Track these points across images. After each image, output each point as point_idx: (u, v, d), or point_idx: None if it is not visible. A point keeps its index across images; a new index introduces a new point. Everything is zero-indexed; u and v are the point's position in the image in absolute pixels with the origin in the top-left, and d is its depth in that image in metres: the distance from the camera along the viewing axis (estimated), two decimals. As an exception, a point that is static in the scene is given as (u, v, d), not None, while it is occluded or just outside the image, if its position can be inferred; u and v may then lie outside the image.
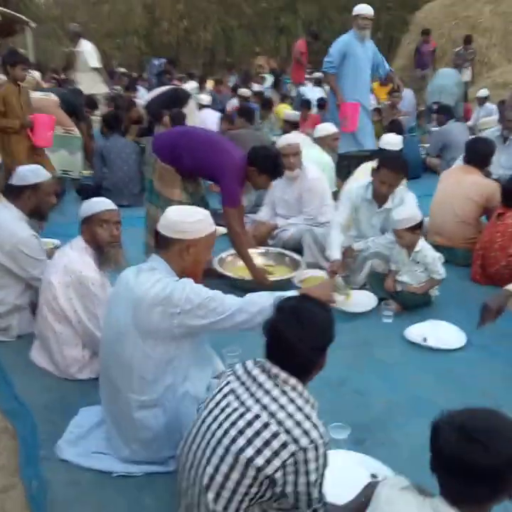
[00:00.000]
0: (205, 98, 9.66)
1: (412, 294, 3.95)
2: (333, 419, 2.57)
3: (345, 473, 2.31)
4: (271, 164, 4.02)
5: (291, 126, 7.26)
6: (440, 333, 3.61)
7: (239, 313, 2.31)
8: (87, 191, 6.89)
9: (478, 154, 4.89)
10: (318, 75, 12.46)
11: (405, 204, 4.14)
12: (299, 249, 4.77)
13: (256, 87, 14.61)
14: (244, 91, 11.04)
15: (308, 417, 1.78)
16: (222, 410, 1.86)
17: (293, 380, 1.85)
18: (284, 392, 1.82)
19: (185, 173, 4.05)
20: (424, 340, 3.55)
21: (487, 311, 2.91)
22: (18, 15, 18.85)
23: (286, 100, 12.29)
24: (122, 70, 16.68)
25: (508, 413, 1.49)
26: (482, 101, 11.13)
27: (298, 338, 1.82)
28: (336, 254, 4.20)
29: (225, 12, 27.39)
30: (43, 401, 2.93)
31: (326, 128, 5.81)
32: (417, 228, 3.91)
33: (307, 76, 13.04)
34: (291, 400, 1.81)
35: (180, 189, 4.07)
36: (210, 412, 1.90)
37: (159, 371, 2.30)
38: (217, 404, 1.90)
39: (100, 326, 2.98)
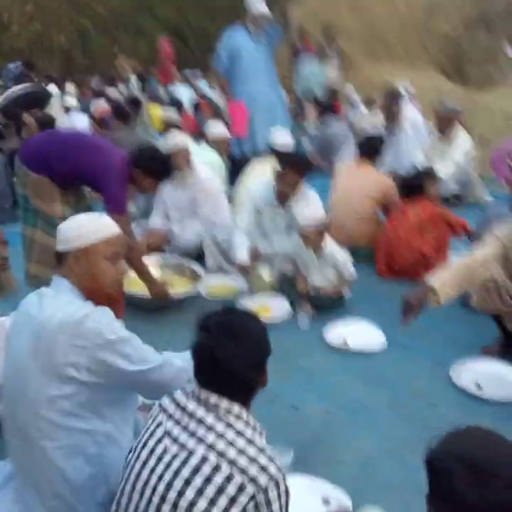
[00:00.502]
0: (72, 100, 9.12)
1: (326, 296, 3.87)
2: (272, 438, 2.34)
3: (296, 503, 2.09)
4: (158, 166, 3.65)
5: (172, 127, 6.97)
6: (359, 333, 3.55)
7: (168, 365, 2.02)
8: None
9: (371, 150, 4.91)
10: (188, 73, 12.27)
11: (309, 203, 4.05)
12: (199, 255, 4.54)
13: (122, 88, 14.12)
14: (112, 91, 10.57)
15: (261, 450, 1.54)
16: (160, 459, 1.58)
17: (236, 408, 1.60)
18: (229, 425, 1.57)
19: (62, 182, 3.54)
20: (345, 343, 3.46)
21: (409, 307, 2.85)
22: None
23: (155, 101, 11.95)
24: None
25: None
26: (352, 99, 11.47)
27: (232, 356, 1.58)
28: (244, 255, 4.07)
29: (77, 13, 26.26)
30: None
31: (217, 130, 5.59)
32: (323, 229, 3.82)
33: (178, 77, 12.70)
34: (239, 433, 1.56)
35: (61, 203, 3.56)
36: (145, 463, 1.60)
37: (72, 413, 1.93)
38: (152, 452, 1.61)
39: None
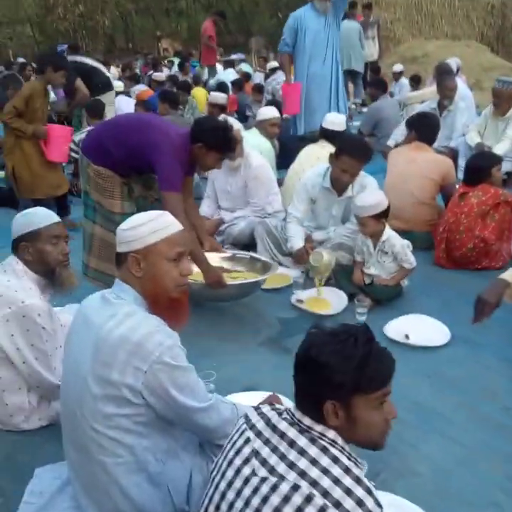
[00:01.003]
0: (119, 84, 9.08)
1: (383, 287, 3.67)
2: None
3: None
4: (221, 137, 3.36)
5: (219, 109, 6.84)
6: (421, 327, 3.34)
7: (215, 410, 1.88)
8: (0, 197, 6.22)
9: (429, 130, 4.65)
10: (235, 57, 12.11)
11: (366, 189, 3.85)
12: (251, 244, 4.40)
13: (165, 70, 14.05)
14: (158, 75, 10.50)
15: (358, 481, 1.40)
16: (246, 481, 1.44)
17: (331, 432, 1.46)
18: (324, 450, 1.42)
19: (123, 169, 3.41)
20: (406, 337, 3.27)
21: (486, 305, 2.63)
22: None
23: (198, 83, 11.83)
24: (22, 60, 15.54)
25: None
26: (397, 76, 11.09)
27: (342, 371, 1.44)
28: (299, 242, 3.93)
29: (122, -5, 26.37)
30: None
31: (265, 112, 5.40)
32: (383, 216, 3.62)
33: (219, 58, 12.54)
34: (335, 460, 1.41)
35: (122, 196, 3.42)
36: (230, 484, 1.48)
37: (131, 430, 1.80)
38: (238, 472, 1.48)
39: (50, 365, 2.49)
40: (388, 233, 3.68)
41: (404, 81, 10.62)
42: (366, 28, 11.63)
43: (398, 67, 11.19)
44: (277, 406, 1.62)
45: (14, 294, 2.46)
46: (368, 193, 3.75)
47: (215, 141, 3.34)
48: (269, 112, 5.32)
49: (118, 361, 1.73)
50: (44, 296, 2.57)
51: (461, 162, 5.46)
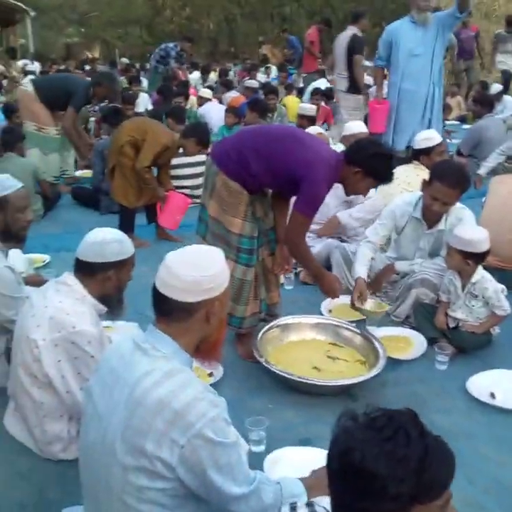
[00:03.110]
0: (208, 92, 9.03)
1: (470, 334, 3.28)
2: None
3: None
4: (383, 166, 3.03)
5: (308, 120, 6.59)
6: (511, 386, 2.94)
7: (256, 497, 1.63)
8: (84, 196, 6.28)
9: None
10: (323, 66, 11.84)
11: (463, 222, 3.45)
12: (326, 268, 4.11)
13: (261, 77, 13.95)
14: (251, 82, 10.34)
15: None
16: None
17: None
18: None
19: (254, 185, 3.04)
20: (492, 396, 2.87)
21: None
22: (16, 3, 18.29)
23: (291, 91, 11.61)
24: (126, 60, 15.99)
25: None
26: (498, 95, 10.35)
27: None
28: (361, 270, 3.53)
29: (228, 0, 26.66)
30: (16, 495, 2.26)
31: (351, 126, 5.08)
32: (474, 259, 3.22)
33: (319, 67, 12.24)
34: None
35: (245, 216, 3.04)
36: None
37: (165, 505, 1.57)
38: None
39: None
40: (480, 274, 3.29)
41: (509, 98, 9.89)
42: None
43: (496, 88, 10.43)
44: (316, 508, 1.33)
45: (66, 318, 2.32)
46: (473, 226, 3.39)
47: (376, 170, 3.02)
48: (356, 127, 4.98)
49: (154, 430, 1.50)
50: (97, 321, 2.42)
51: None
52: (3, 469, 2.41)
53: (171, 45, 10.04)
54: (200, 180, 6.16)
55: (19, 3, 18.38)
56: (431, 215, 3.52)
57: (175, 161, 5.41)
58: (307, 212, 2.99)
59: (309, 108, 7.01)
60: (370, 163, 2.98)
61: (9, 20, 18.43)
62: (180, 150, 4.99)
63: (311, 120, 6.66)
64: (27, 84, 6.46)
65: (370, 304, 3.41)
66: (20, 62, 15.68)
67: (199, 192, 6.10)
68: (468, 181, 3.50)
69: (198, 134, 4.88)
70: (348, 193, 3.25)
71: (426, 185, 3.47)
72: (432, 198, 3.42)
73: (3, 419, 2.61)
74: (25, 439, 2.51)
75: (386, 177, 3.09)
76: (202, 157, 5.56)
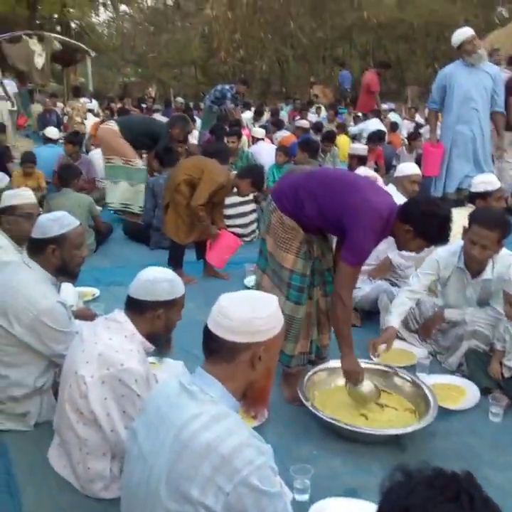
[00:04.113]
0: (260, 131, 9.13)
1: (526, 385, 3.15)
2: None
3: None
4: (436, 228, 2.81)
5: (358, 161, 6.56)
6: None
7: None
8: (135, 231, 6.39)
9: None
10: (385, 106, 11.85)
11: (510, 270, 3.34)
12: (373, 311, 4.06)
13: (312, 117, 14.06)
14: (303, 122, 10.45)
15: None
16: None
17: None
18: None
19: (311, 225, 2.99)
20: (550, 453, 2.73)
21: None
22: (78, 44, 19.15)
23: (340, 131, 11.65)
24: (181, 100, 16.39)
25: None
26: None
27: None
28: (394, 320, 3.39)
29: (281, 42, 27.20)
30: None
31: (404, 168, 5.04)
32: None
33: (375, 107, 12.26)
34: None
35: (298, 252, 2.99)
36: None
37: None
38: None
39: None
40: (536, 321, 3.16)
41: None
42: None
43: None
44: None
45: (115, 355, 2.32)
46: None
47: (429, 231, 2.82)
48: (409, 169, 4.93)
49: (201, 475, 1.47)
50: (144, 360, 2.42)
51: None
52: (47, 503, 2.41)
53: (227, 86, 10.19)
54: (249, 219, 6.25)
55: (82, 45, 19.21)
56: (473, 262, 3.43)
57: (227, 201, 5.47)
58: (352, 261, 2.83)
59: (361, 148, 7.00)
60: (423, 223, 2.79)
61: (71, 60, 19.26)
62: (235, 189, 5.04)
63: (362, 160, 6.64)
64: (111, 123, 6.75)
65: (366, 386, 3.02)
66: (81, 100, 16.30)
67: (249, 230, 6.22)
68: (509, 225, 3.38)
69: (254, 175, 4.93)
70: (399, 248, 3.13)
71: (465, 231, 3.41)
72: (470, 242, 3.33)
73: (48, 453, 2.62)
74: (67, 474, 2.50)
75: (440, 239, 2.92)
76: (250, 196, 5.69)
